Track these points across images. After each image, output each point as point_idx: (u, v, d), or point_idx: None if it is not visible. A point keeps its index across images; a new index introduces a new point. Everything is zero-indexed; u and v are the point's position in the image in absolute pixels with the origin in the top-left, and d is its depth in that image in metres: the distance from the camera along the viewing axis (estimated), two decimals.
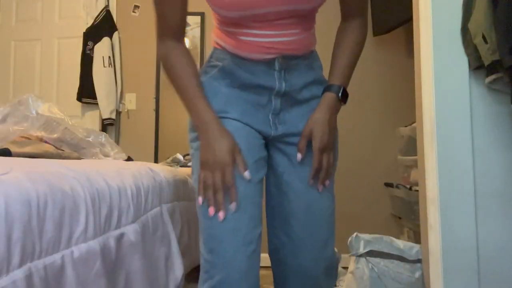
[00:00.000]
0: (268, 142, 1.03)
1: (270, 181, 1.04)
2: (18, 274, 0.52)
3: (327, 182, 1.00)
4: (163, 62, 1.01)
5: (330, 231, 1.02)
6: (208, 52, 3.04)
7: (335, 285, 1.95)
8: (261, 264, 0.95)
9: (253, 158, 0.95)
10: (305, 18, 1.03)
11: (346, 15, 1.12)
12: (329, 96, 1.05)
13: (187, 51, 1.01)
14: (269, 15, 0.94)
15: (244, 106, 0.98)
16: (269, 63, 0.98)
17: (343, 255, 2.54)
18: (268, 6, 0.92)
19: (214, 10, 0.97)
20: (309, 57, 1.07)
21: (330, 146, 1.01)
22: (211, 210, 0.88)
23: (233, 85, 0.98)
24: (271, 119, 1.00)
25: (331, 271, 1.04)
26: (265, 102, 0.99)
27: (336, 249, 2.25)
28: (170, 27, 0.99)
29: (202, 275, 0.90)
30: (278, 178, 1.02)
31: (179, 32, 1.01)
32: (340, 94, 1.06)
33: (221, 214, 0.87)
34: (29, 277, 0.54)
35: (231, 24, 0.98)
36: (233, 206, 0.88)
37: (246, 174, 0.90)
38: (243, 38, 0.97)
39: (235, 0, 0.90)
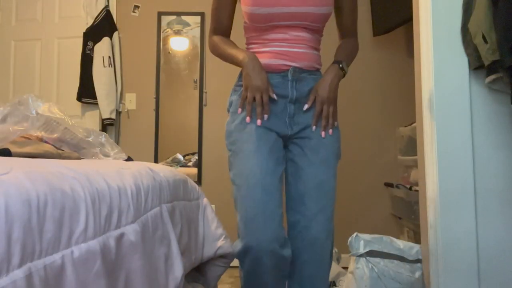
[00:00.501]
0: (287, 140, 1.33)
1: (288, 172, 1.33)
2: (18, 274, 0.52)
3: (330, 131, 1.31)
4: (213, 47, 1.46)
5: (333, 207, 1.30)
6: (208, 51, 3.04)
7: (335, 285, 1.95)
8: None
9: (275, 156, 1.26)
10: (312, 36, 1.34)
11: (343, 36, 1.47)
12: (332, 66, 1.33)
13: (229, 39, 1.45)
14: (288, 17, 1.27)
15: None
16: (284, 75, 1.30)
17: (343, 255, 2.54)
18: (290, 6, 1.26)
19: (247, 12, 1.30)
20: (314, 73, 1.36)
21: (331, 100, 1.29)
22: (248, 119, 1.26)
23: None
24: (287, 122, 1.30)
25: (332, 238, 1.32)
26: (282, 109, 1.30)
27: (336, 250, 2.25)
28: (221, 27, 1.43)
29: (238, 240, 1.24)
30: (294, 165, 1.32)
31: (226, 32, 1.45)
32: (340, 65, 1.33)
33: (259, 122, 1.25)
34: (29, 277, 0.54)
35: (258, 32, 1.33)
36: (266, 117, 1.25)
37: (273, 95, 1.26)
38: (265, 49, 1.32)
39: None
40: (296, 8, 1.26)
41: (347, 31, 1.45)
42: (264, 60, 1.30)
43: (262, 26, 1.31)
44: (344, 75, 1.35)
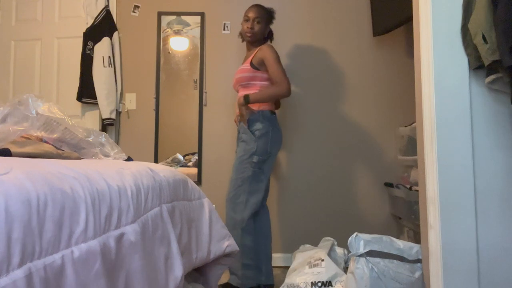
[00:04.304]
0: None
1: None
2: (18, 274, 0.52)
3: None
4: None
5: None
6: (208, 51, 3.04)
7: (331, 285, 1.95)
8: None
9: None
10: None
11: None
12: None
13: None
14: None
15: None
16: None
17: None
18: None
19: None
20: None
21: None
22: None
23: None
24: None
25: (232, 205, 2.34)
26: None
27: (345, 251, 2.28)
28: None
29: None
30: None
31: None
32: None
33: None
34: (29, 277, 0.54)
35: None
36: None
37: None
38: None
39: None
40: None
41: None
42: None
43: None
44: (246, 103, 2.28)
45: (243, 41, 2.57)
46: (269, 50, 2.33)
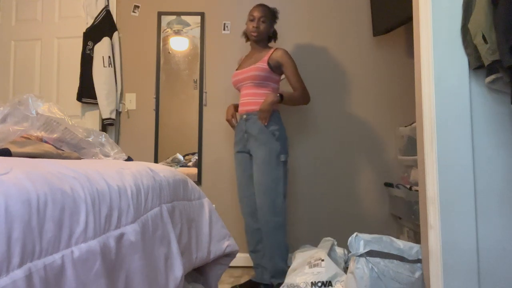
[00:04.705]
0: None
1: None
2: (18, 274, 0.52)
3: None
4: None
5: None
6: (208, 51, 3.04)
7: (331, 285, 1.95)
8: None
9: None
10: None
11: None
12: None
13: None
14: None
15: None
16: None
17: None
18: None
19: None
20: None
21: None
22: None
23: None
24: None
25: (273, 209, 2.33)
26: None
27: (345, 251, 2.29)
28: None
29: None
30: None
31: None
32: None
33: None
34: (29, 277, 0.54)
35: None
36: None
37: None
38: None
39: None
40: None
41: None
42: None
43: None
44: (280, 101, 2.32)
45: (247, 40, 2.58)
46: (289, 56, 2.40)
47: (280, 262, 2.27)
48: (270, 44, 2.55)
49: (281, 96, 2.32)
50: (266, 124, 2.30)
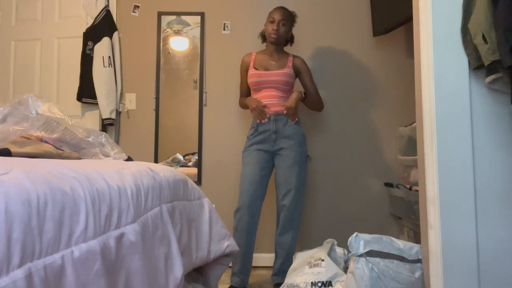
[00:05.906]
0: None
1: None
2: (18, 274, 0.52)
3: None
4: (241, 103, 2.60)
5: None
6: (208, 51, 3.04)
7: (331, 285, 1.95)
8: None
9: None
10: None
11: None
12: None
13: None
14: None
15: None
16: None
17: None
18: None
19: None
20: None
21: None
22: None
23: None
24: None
25: (299, 206, 2.42)
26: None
27: (345, 251, 2.29)
28: (243, 92, 2.59)
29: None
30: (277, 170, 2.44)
31: (246, 94, 2.58)
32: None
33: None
34: (29, 277, 0.54)
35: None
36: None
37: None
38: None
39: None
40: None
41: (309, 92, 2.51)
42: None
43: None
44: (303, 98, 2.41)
45: (263, 42, 2.56)
46: (306, 64, 2.52)
47: (289, 262, 2.30)
48: (285, 49, 2.56)
49: (305, 94, 2.41)
50: (294, 121, 2.37)
